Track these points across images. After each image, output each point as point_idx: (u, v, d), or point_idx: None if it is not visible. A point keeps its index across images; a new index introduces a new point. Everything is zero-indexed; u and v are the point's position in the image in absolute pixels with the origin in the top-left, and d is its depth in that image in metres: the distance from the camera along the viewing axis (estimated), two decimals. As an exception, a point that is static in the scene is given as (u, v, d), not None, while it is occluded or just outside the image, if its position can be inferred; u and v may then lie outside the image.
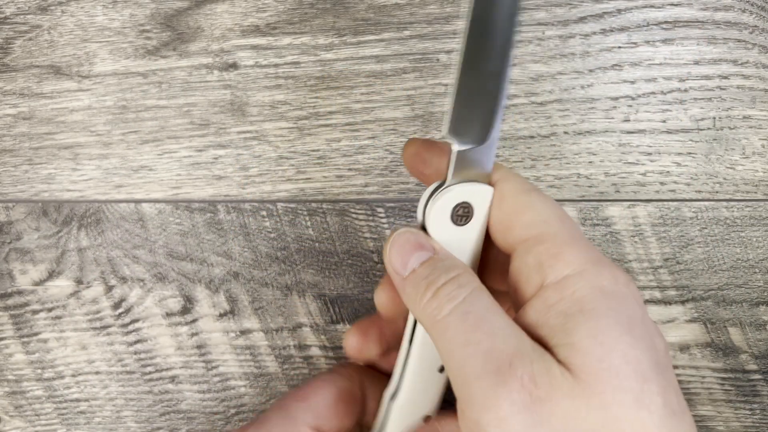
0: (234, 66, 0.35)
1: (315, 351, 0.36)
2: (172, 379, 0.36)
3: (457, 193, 0.22)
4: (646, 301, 0.35)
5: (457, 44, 0.35)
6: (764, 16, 0.34)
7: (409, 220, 0.35)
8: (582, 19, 0.34)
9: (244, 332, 0.36)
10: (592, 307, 0.18)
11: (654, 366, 0.18)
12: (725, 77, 0.34)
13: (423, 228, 0.23)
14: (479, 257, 0.24)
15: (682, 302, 0.35)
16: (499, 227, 0.22)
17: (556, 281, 0.19)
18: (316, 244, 0.35)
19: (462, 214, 0.22)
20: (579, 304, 0.18)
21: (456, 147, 0.22)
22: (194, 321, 0.36)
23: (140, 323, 0.36)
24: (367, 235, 0.35)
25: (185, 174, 0.35)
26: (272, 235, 0.35)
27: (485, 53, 0.21)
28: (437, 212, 0.22)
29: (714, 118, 0.34)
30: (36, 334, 0.36)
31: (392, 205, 0.35)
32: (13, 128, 0.36)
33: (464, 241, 0.23)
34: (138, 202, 0.35)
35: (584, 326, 0.18)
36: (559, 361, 0.18)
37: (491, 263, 0.25)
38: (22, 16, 0.36)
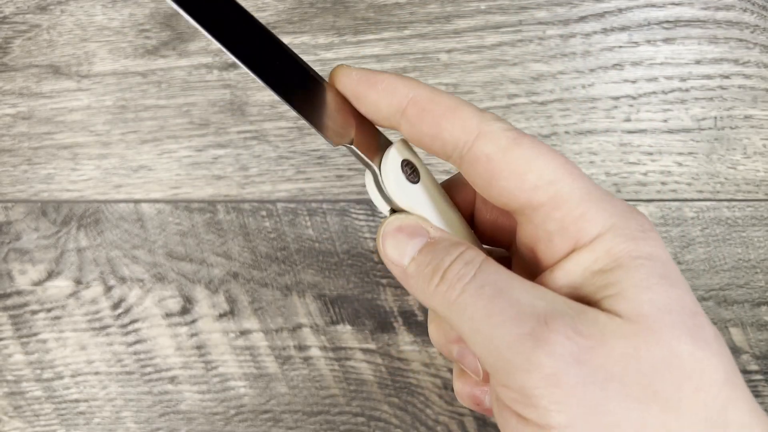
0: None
1: (315, 351, 0.35)
2: (172, 379, 0.36)
3: (392, 155, 0.21)
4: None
5: (458, 43, 0.34)
6: (765, 16, 0.33)
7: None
8: (583, 19, 0.34)
9: (243, 333, 0.35)
10: (631, 260, 0.18)
11: (696, 302, 0.18)
12: (726, 77, 0.34)
13: (393, 211, 0.22)
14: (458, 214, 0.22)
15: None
16: (494, 193, 0.20)
17: (587, 242, 0.18)
18: (316, 244, 0.35)
19: (411, 171, 0.22)
20: (616, 260, 0.18)
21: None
22: (194, 321, 0.36)
23: (139, 323, 0.36)
24: (367, 235, 0.35)
25: (184, 174, 0.35)
26: (272, 235, 0.35)
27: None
28: (391, 176, 0.21)
29: (715, 117, 0.34)
30: (35, 334, 0.36)
31: (392, 205, 0.34)
32: (12, 128, 0.36)
33: (423, 199, 0.22)
34: (137, 202, 0.35)
35: (627, 278, 0.18)
36: (604, 311, 0.18)
37: (478, 221, 0.24)
38: (21, 16, 0.36)
